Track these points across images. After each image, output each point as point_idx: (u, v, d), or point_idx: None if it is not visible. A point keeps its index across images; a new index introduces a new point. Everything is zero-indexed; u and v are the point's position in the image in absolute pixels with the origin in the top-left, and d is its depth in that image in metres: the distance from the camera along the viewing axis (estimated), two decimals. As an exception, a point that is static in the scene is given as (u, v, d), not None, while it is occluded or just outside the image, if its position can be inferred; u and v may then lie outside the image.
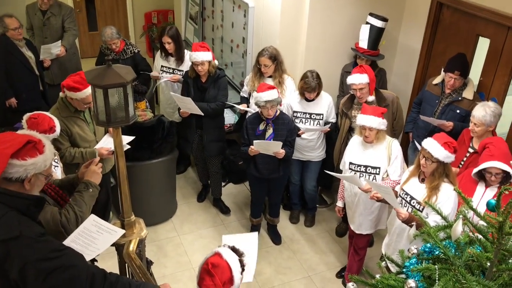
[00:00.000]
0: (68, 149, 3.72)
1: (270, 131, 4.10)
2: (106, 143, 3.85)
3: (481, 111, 3.52)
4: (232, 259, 2.11)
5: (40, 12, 5.79)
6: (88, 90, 3.53)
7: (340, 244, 4.75)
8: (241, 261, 2.14)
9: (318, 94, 4.30)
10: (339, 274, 4.38)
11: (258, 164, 4.20)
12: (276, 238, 4.76)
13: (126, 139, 3.83)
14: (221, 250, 2.12)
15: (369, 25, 4.50)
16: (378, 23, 4.46)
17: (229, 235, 2.65)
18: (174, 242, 4.71)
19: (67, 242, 2.37)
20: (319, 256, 4.60)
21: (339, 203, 4.08)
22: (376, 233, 4.39)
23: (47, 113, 3.36)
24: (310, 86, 4.19)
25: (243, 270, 2.15)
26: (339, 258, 4.58)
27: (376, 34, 4.50)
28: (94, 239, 2.41)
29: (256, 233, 2.62)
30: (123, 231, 2.55)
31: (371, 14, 4.51)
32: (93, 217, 2.49)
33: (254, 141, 3.99)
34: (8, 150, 1.89)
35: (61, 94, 3.77)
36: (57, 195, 2.70)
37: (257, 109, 4.13)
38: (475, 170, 3.19)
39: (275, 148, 3.97)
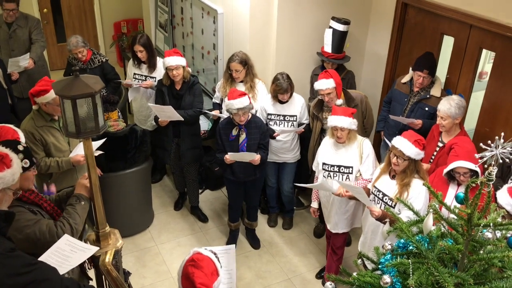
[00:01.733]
0: (43, 159, 3.68)
1: (243, 136, 4.11)
2: (81, 150, 3.79)
3: (446, 104, 3.63)
4: (210, 255, 2.16)
5: (6, 25, 5.68)
6: None
7: (319, 245, 4.79)
8: (217, 257, 2.17)
9: (291, 95, 4.34)
10: (319, 275, 4.41)
11: (234, 169, 4.22)
12: (254, 242, 4.76)
13: (96, 144, 3.78)
14: (197, 249, 2.15)
15: (331, 29, 4.55)
16: (340, 27, 4.51)
17: (208, 247, 2.65)
18: (152, 251, 4.67)
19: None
20: (298, 258, 4.62)
21: (314, 204, 4.12)
22: (353, 232, 4.45)
23: (11, 126, 3.28)
24: (282, 88, 4.22)
25: (221, 266, 2.19)
26: (318, 259, 4.61)
27: (339, 38, 4.55)
28: (67, 257, 2.39)
29: (234, 245, 2.62)
30: (97, 248, 2.54)
31: (333, 18, 4.56)
32: (66, 237, 2.48)
33: (229, 153, 4.02)
34: None
35: (34, 106, 3.72)
36: (53, 210, 2.70)
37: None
38: (444, 171, 3.27)
39: (250, 157, 4.01)
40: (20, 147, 2.53)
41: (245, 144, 4.10)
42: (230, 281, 2.33)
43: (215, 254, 2.20)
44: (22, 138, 3.27)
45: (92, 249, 2.50)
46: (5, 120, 4.55)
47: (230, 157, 4.02)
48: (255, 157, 4.01)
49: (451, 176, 3.27)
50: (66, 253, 2.43)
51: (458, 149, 3.22)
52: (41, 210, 2.62)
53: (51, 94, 3.55)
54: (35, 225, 2.48)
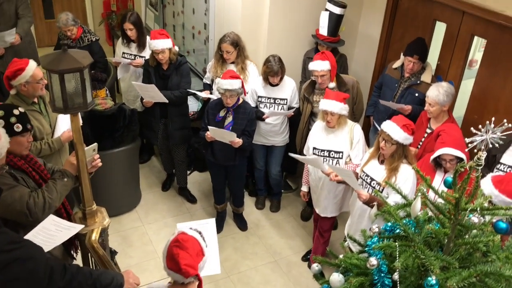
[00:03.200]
0: (33, 143, 3.56)
1: (229, 119, 4.08)
2: (64, 126, 3.71)
3: (435, 91, 3.63)
4: (195, 234, 2.13)
5: (-9, -1, 5.54)
6: (31, 65, 3.37)
7: (305, 228, 4.82)
8: (202, 237, 2.16)
9: (281, 79, 4.31)
10: (305, 258, 4.44)
11: (215, 150, 4.20)
12: (242, 224, 4.77)
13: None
14: (182, 229, 2.14)
15: (328, 12, 4.51)
16: (337, 10, 4.48)
17: (184, 223, 2.66)
18: (139, 231, 4.66)
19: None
20: (285, 241, 4.65)
21: (304, 188, 4.12)
22: (340, 215, 4.46)
23: None
24: (272, 70, 4.19)
25: (206, 245, 2.17)
26: (305, 241, 4.64)
27: (335, 21, 4.52)
28: (52, 236, 2.38)
29: (213, 219, 2.63)
30: (82, 226, 2.52)
31: (329, 1, 4.52)
32: (52, 217, 2.45)
33: (210, 127, 3.97)
34: None
35: (11, 91, 3.56)
36: (42, 179, 2.66)
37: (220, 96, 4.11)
38: (431, 158, 3.27)
39: (229, 137, 3.96)
40: (16, 112, 2.53)
41: (230, 127, 4.07)
42: (212, 254, 2.31)
43: (200, 233, 2.18)
44: None
45: (77, 227, 2.48)
46: (-10, 97, 4.49)
47: (210, 131, 3.97)
48: (235, 139, 3.96)
49: (438, 163, 3.29)
50: (51, 232, 2.42)
51: (445, 136, 3.23)
52: (27, 178, 2.59)
53: (28, 71, 3.38)
54: (8, 190, 2.44)
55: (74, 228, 2.51)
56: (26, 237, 2.35)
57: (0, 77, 5.24)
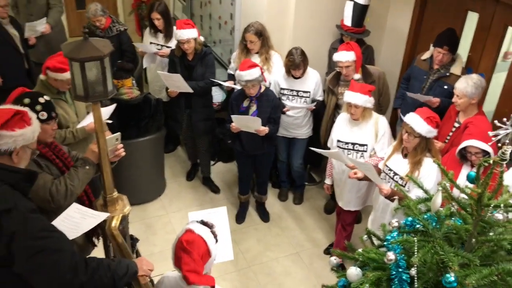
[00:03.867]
0: (57, 131, 3.64)
1: (253, 108, 4.06)
2: (91, 118, 3.78)
3: (463, 83, 3.51)
4: (204, 232, 2.11)
5: (25, -11, 5.67)
6: None
7: (328, 221, 4.77)
8: (213, 233, 2.14)
9: (304, 71, 4.25)
10: (327, 251, 4.40)
11: (243, 140, 4.19)
12: (264, 215, 4.77)
13: (107, 111, 3.77)
14: (191, 226, 2.12)
15: (352, 2, 4.42)
16: (361, 0, 4.38)
17: (196, 212, 2.66)
18: (163, 220, 4.72)
19: None
20: (307, 233, 4.62)
21: (328, 181, 4.08)
22: (364, 209, 4.40)
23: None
24: (294, 63, 4.14)
25: (216, 241, 2.16)
26: (327, 235, 4.60)
27: (360, 11, 4.42)
28: (77, 224, 2.42)
29: (225, 207, 2.63)
30: (107, 214, 2.56)
31: (354, -9, 4.44)
32: (75, 205, 2.51)
33: (233, 116, 3.95)
34: None
35: (41, 76, 3.65)
36: (65, 166, 2.72)
37: (243, 86, 4.10)
38: (457, 150, 3.17)
39: (254, 124, 3.92)
40: (42, 100, 2.60)
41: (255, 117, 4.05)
42: (225, 241, 2.30)
43: (211, 226, 2.16)
44: None
45: (102, 215, 2.52)
46: (22, 85, 4.57)
47: (234, 121, 3.95)
48: (260, 126, 3.93)
49: (463, 156, 3.19)
50: (76, 220, 2.46)
51: (473, 127, 3.12)
52: (51, 165, 2.64)
53: (67, 74, 3.46)
54: None
55: (99, 216, 2.54)
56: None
57: (32, 66, 5.40)
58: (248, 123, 3.95)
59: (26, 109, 2.06)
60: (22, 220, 1.85)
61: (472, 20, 4.21)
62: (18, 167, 1.98)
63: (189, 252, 2.03)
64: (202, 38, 4.50)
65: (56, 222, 2.42)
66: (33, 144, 2.04)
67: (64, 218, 2.46)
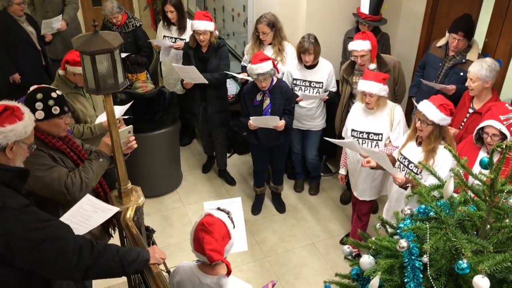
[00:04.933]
0: (75, 126, 3.72)
1: (267, 102, 4.05)
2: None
3: (477, 66, 3.45)
4: (223, 216, 2.16)
5: (41, -14, 5.75)
6: None
7: (345, 211, 4.76)
8: (230, 218, 2.18)
9: (315, 58, 4.21)
10: (343, 241, 4.39)
11: (258, 134, 4.18)
12: (280, 206, 4.77)
13: (122, 109, 3.82)
14: (209, 211, 2.15)
15: None
16: None
17: (211, 202, 2.69)
18: (179, 212, 4.76)
19: (63, 219, 2.40)
20: (323, 224, 4.61)
21: (342, 171, 4.06)
22: (380, 199, 4.37)
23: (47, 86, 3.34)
24: (303, 47, 4.10)
25: (234, 226, 2.19)
26: (343, 225, 4.59)
27: (378, -1, 4.38)
28: (89, 217, 2.46)
29: (239, 198, 2.65)
30: (118, 209, 2.59)
31: (371, -22, 4.38)
32: (88, 197, 2.54)
33: (251, 118, 3.96)
34: None
35: (59, 71, 3.72)
36: (79, 160, 2.76)
37: (256, 78, 4.09)
38: (476, 129, 3.11)
39: (273, 122, 3.94)
40: (54, 94, 2.62)
41: (269, 110, 4.05)
42: (239, 232, 2.33)
43: (228, 213, 2.19)
44: None
45: (113, 210, 2.55)
46: (40, 82, 4.66)
47: (252, 121, 3.97)
48: (279, 123, 3.94)
49: (480, 138, 3.12)
50: (88, 213, 2.49)
51: (496, 110, 3.00)
52: (65, 158, 2.68)
53: None
54: (47, 170, 2.55)
55: (110, 211, 2.57)
56: (64, 217, 2.44)
57: (49, 62, 5.48)
58: (267, 121, 3.97)
59: (19, 104, 2.05)
60: (13, 217, 1.86)
61: (488, 5, 4.13)
62: (11, 166, 1.98)
63: (210, 232, 2.07)
64: (217, 33, 4.51)
65: (68, 214, 2.47)
66: (28, 139, 2.03)
67: (76, 210, 2.49)
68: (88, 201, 2.52)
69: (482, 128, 3.03)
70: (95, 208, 2.54)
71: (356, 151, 3.58)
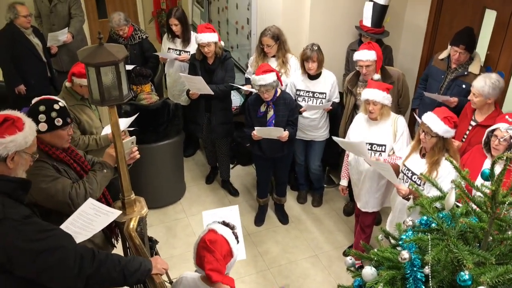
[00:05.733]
0: (81, 138, 3.75)
1: (271, 113, 4.08)
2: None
3: (481, 82, 3.45)
4: (226, 233, 2.13)
5: (47, 0, 5.84)
6: None
7: (348, 223, 4.75)
8: (234, 234, 2.16)
9: (318, 67, 4.22)
10: (346, 253, 4.38)
11: (262, 145, 4.20)
12: (283, 218, 4.77)
13: (127, 121, 3.85)
14: (214, 226, 2.14)
15: (372, 2, 4.42)
16: (381, 0, 4.38)
17: (210, 210, 2.70)
18: (183, 223, 4.77)
19: (66, 224, 2.41)
20: (326, 235, 4.61)
21: (343, 182, 4.06)
22: (383, 211, 4.37)
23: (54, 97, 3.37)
24: (305, 54, 4.14)
25: (238, 241, 2.18)
26: (347, 237, 4.58)
27: (380, 12, 4.42)
28: (91, 221, 2.46)
29: (237, 206, 2.67)
30: (120, 212, 2.60)
31: (374, -9, 4.43)
32: (90, 200, 2.54)
33: (256, 128, 3.98)
34: None
35: (66, 83, 3.76)
36: (83, 171, 2.78)
37: (260, 90, 4.12)
38: (486, 132, 3.10)
39: (277, 133, 3.96)
40: (56, 106, 2.64)
41: (273, 121, 4.07)
42: (239, 245, 2.32)
43: (233, 228, 2.17)
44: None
45: (115, 213, 2.55)
46: (45, 93, 4.70)
47: (257, 132, 3.99)
48: (283, 134, 3.97)
49: (487, 143, 3.10)
50: (90, 217, 2.49)
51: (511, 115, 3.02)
52: (69, 169, 2.70)
53: None
54: (52, 182, 2.56)
55: (112, 214, 2.57)
56: (67, 221, 2.45)
57: (55, 74, 5.54)
58: (270, 132, 3.99)
59: (20, 114, 2.06)
60: (17, 227, 1.87)
61: (490, 17, 4.16)
62: (13, 177, 1.99)
63: (212, 251, 2.05)
64: (222, 43, 4.55)
65: (71, 219, 2.47)
66: (29, 148, 2.04)
67: (79, 214, 2.50)
68: (91, 204, 2.53)
69: (492, 130, 3.03)
70: (98, 212, 2.54)
71: (363, 154, 3.54)
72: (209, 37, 4.34)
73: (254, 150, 4.33)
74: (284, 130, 4.01)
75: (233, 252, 2.14)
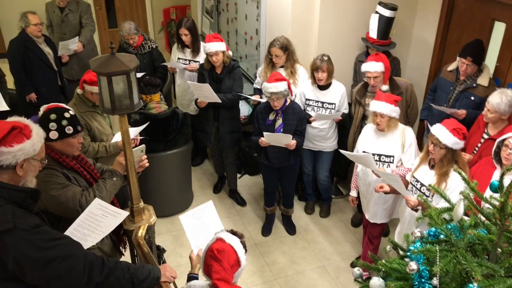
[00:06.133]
0: (91, 144, 3.78)
1: (279, 121, 4.10)
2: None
3: (497, 99, 3.40)
4: (234, 242, 2.14)
5: (59, 9, 5.92)
6: None
7: (356, 234, 4.73)
8: (242, 243, 2.17)
9: (328, 78, 4.25)
10: (354, 264, 4.36)
11: (268, 154, 4.22)
12: (290, 228, 4.76)
13: (137, 130, 3.88)
14: (222, 235, 2.15)
15: (378, 15, 4.44)
16: (387, 12, 4.40)
17: (186, 213, 2.72)
18: (190, 232, 4.76)
19: (74, 226, 2.43)
20: (334, 246, 4.59)
21: (353, 193, 4.06)
22: (391, 222, 4.35)
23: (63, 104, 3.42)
24: (315, 64, 4.17)
25: (246, 250, 2.19)
26: (355, 248, 4.56)
27: (386, 24, 4.44)
28: (99, 222, 2.47)
29: (211, 201, 2.69)
30: (127, 213, 2.61)
31: (380, 3, 4.46)
32: (97, 201, 2.55)
33: (264, 133, 3.99)
34: None
35: (78, 90, 3.80)
36: (92, 179, 2.80)
37: (269, 99, 4.14)
38: (496, 142, 3.08)
39: (285, 140, 3.97)
40: (67, 114, 2.67)
41: (281, 130, 4.09)
42: (218, 231, 2.32)
43: (241, 237, 2.18)
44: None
45: (123, 214, 2.56)
46: (55, 101, 4.76)
47: (265, 137, 4.00)
48: (291, 141, 3.98)
49: (498, 154, 3.07)
50: (98, 218, 2.50)
51: None
52: (79, 177, 2.73)
53: None
54: (62, 189, 2.59)
55: (120, 215, 2.57)
56: (74, 223, 2.47)
57: (65, 83, 5.60)
58: (279, 138, 4.00)
59: (28, 122, 2.06)
60: (26, 237, 1.88)
61: (499, 29, 4.17)
62: (23, 186, 2.00)
63: (219, 260, 2.06)
64: (230, 53, 4.59)
65: (79, 221, 2.48)
66: (37, 155, 2.04)
67: (86, 215, 2.51)
68: (98, 205, 2.54)
69: (503, 140, 3.01)
70: (105, 212, 2.54)
71: (370, 167, 3.54)
72: (217, 46, 4.38)
73: (260, 158, 4.35)
74: (292, 139, 4.02)
75: (240, 261, 2.15)
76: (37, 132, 2.05)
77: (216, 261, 2.07)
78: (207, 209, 2.72)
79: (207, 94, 4.39)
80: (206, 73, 4.59)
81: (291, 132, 4.08)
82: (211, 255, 2.10)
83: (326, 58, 4.18)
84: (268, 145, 4.10)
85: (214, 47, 4.37)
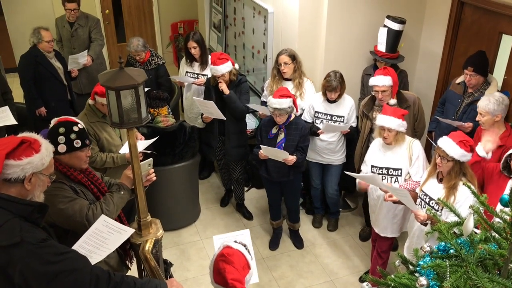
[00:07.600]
0: (99, 154, 3.81)
1: (282, 136, 4.10)
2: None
3: (485, 101, 3.52)
4: (240, 247, 2.15)
5: (68, 24, 6.00)
6: None
7: (364, 248, 4.69)
8: (247, 250, 2.18)
9: (340, 96, 4.27)
10: (362, 279, 4.31)
11: (269, 167, 4.22)
12: (298, 242, 4.73)
13: (146, 143, 3.90)
14: (227, 243, 2.16)
15: (386, 28, 4.45)
16: (395, 26, 4.41)
17: (221, 235, 2.69)
18: (197, 246, 4.75)
19: (80, 243, 2.43)
20: (342, 260, 4.55)
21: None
22: (400, 237, 4.31)
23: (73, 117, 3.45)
24: (331, 85, 4.17)
25: (252, 258, 2.19)
26: (363, 262, 4.52)
27: (394, 37, 4.45)
28: (105, 239, 2.47)
29: (248, 230, 2.67)
30: (133, 230, 2.61)
31: (388, 17, 4.47)
32: (103, 217, 2.56)
33: (262, 146, 4.01)
34: (3, 151, 1.91)
35: (89, 101, 3.85)
36: (99, 192, 2.81)
37: (275, 112, 4.15)
38: (504, 157, 3.07)
39: (282, 155, 3.97)
40: (76, 128, 2.70)
41: (283, 144, 4.09)
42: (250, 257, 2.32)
43: (245, 246, 2.20)
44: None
45: (128, 231, 2.56)
46: (65, 115, 4.80)
47: (263, 150, 4.01)
48: (288, 157, 3.97)
49: (507, 166, 3.07)
50: (104, 235, 2.50)
51: None
52: (86, 190, 2.73)
53: None
54: (69, 203, 2.59)
55: (125, 232, 2.58)
56: (80, 240, 2.47)
57: (74, 97, 5.65)
58: (276, 153, 4.01)
59: (37, 136, 2.08)
60: (33, 250, 1.89)
61: (507, 42, 4.16)
62: (30, 200, 2.00)
63: (231, 262, 2.07)
64: (237, 66, 4.59)
65: (85, 237, 2.48)
66: (46, 170, 2.05)
67: (92, 232, 2.51)
68: (104, 221, 2.54)
69: (510, 155, 3.01)
70: (111, 229, 2.54)
71: (378, 185, 3.55)
72: (223, 69, 4.35)
73: (262, 172, 4.34)
74: (292, 155, 4.01)
75: (250, 264, 2.17)
76: (46, 147, 2.06)
77: (228, 263, 2.09)
78: (242, 236, 2.71)
79: (212, 110, 4.40)
80: (212, 88, 4.59)
81: (293, 147, 4.07)
82: (222, 259, 2.11)
83: (340, 78, 4.19)
84: (267, 158, 4.10)
85: (220, 70, 4.34)
